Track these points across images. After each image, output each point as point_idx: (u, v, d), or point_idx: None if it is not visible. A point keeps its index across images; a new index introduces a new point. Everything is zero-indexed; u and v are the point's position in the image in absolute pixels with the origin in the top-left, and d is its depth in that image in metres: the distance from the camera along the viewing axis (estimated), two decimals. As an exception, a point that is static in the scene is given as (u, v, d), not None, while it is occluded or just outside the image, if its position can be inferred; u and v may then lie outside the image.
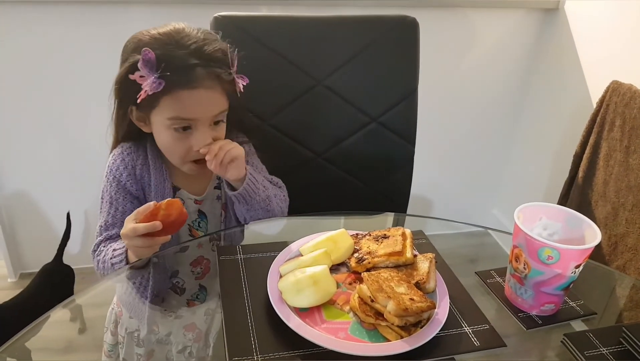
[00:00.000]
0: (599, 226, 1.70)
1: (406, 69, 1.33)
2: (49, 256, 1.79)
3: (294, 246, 0.90)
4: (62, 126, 1.89)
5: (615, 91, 1.69)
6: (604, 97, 1.73)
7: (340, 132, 1.37)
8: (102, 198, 1.08)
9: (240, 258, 0.90)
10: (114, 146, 1.11)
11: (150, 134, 1.05)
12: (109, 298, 1.01)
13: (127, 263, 0.96)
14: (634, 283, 1.05)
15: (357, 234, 0.94)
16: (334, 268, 0.88)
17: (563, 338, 0.79)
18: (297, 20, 1.30)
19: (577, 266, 0.78)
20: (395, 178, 1.43)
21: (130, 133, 1.07)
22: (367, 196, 1.44)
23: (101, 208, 1.08)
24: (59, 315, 0.87)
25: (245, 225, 1.09)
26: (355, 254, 0.89)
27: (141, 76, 0.92)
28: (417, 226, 1.04)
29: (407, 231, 0.91)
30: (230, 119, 1.07)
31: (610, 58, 1.83)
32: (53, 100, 1.84)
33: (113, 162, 1.07)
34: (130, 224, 0.88)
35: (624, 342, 0.78)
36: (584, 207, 1.80)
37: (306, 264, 0.84)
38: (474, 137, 2.35)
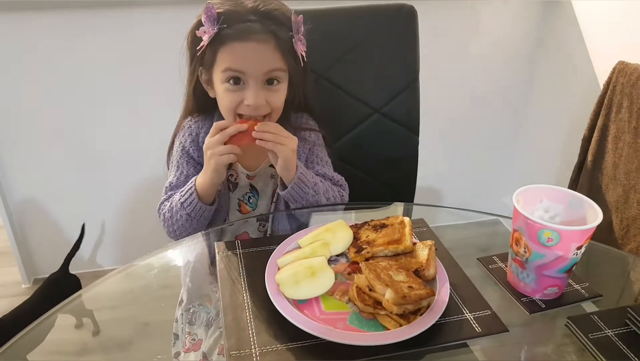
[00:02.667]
0: (610, 210, 1.71)
1: (406, 58, 1.32)
2: (62, 261, 1.80)
3: (292, 239, 0.90)
4: (72, 132, 1.91)
5: (621, 71, 1.66)
6: (610, 78, 1.70)
7: (343, 125, 1.37)
8: (170, 162, 1.18)
9: (239, 253, 0.90)
10: (183, 116, 1.17)
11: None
12: (117, 301, 1.00)
13: (197, 196, 1.04)
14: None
15: (356, 224, 0.93)
16: (334, 259, 0.87)
17: (567, 321, 0.78)
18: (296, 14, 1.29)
19: (579, 248, 0.76)
20: (401, 169, 1.42)
21: (199, 103, 1.13)
22: (374, 188, 1.43)
23: (169, 170, 1.18)
24: (70, 318, 0.87)
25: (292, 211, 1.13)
26: (354, 244, 0.88)
27: (204, 32, 0.99)
28: (428, 216, 1.03)
29: (406, 219, 0.90)
30: (297, 99, 1.12)
31: (616, 39, 1.79)
32: (63, 106, 1.86)
33: (182, 132, 1.15)
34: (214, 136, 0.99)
35: (629, 323, 0.76)
36: (595, 191, 1.78)
37: (304, 256, 0.84)
38: (481, 127, 2.32)
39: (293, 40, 1.02)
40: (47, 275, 1.78)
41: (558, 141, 2.13)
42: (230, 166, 1.12)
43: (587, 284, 0.86)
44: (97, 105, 1.87)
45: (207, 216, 1.08)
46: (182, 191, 1.07)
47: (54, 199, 2.03)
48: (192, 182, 1.06)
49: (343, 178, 1.21)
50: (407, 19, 1.31)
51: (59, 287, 1.74)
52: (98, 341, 0.88)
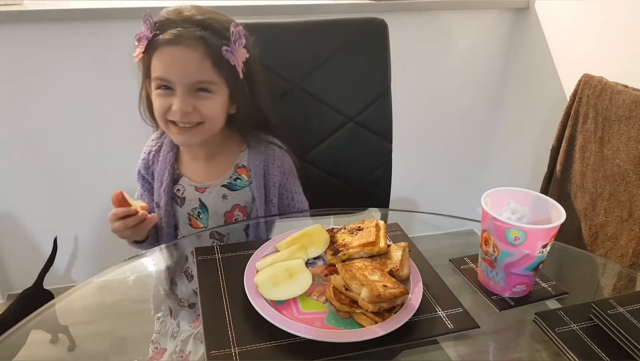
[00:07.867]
0: (579, 218, 1.77)
1: (378, 68, 1.36)
2: (36, 277, 1.78)
3: (271, 243, 0.92)
4: (44, 146, 1.90)
5: (586, 84, 1.73)
6: (576, 90, 1.77)
7: (318, 133, 1.40)
8: None
9: (218, 257, 0.91)
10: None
11: None
12: (93, 316, 0.98)
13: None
14: (621, 270, 1.07)
15: (332, 228, 0.96)
16: (311, 262, 0.89)
17: (535, 317, 0.81)
18: (270, 26, 1.32)
19: (545, 246, 0.80)
20: (375, 176, 1.46)
21: (152, 115, 1.13)
22: (350, 195, 1.46)
23: None
24: (45, 334, 0.87)
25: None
26: (331, 247, 0.90)
27: (141, 40, 1.01)
28: (403, 226, 1.06)
29: (381, 223, 0.93)
30: (243, 111, 1.09)
31: (581, 52, 1.87)
32: (35, 120, 1.84)
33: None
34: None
35: (593, 318, 0.80)
36: (564, 199, 1.83)
37: (282, 258, 0.86)
38: (454, 139, 2.38)
39: (225, 49, 1.00)
40: (21, 291, 1.76)
41: (528, 151, 2.20)
42: (177, 180, 1.15)
43: (554, 282, 0.90)
44: (69, 119, 1.86)
45: (147, 245, 1.16)
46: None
47: (27, 214, 2.00)
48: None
49: (307, 203, 1.24)
50: (378, 31, 1.35)
51: (32, 302, 1.71)
52: (74, 357, 0.88)
